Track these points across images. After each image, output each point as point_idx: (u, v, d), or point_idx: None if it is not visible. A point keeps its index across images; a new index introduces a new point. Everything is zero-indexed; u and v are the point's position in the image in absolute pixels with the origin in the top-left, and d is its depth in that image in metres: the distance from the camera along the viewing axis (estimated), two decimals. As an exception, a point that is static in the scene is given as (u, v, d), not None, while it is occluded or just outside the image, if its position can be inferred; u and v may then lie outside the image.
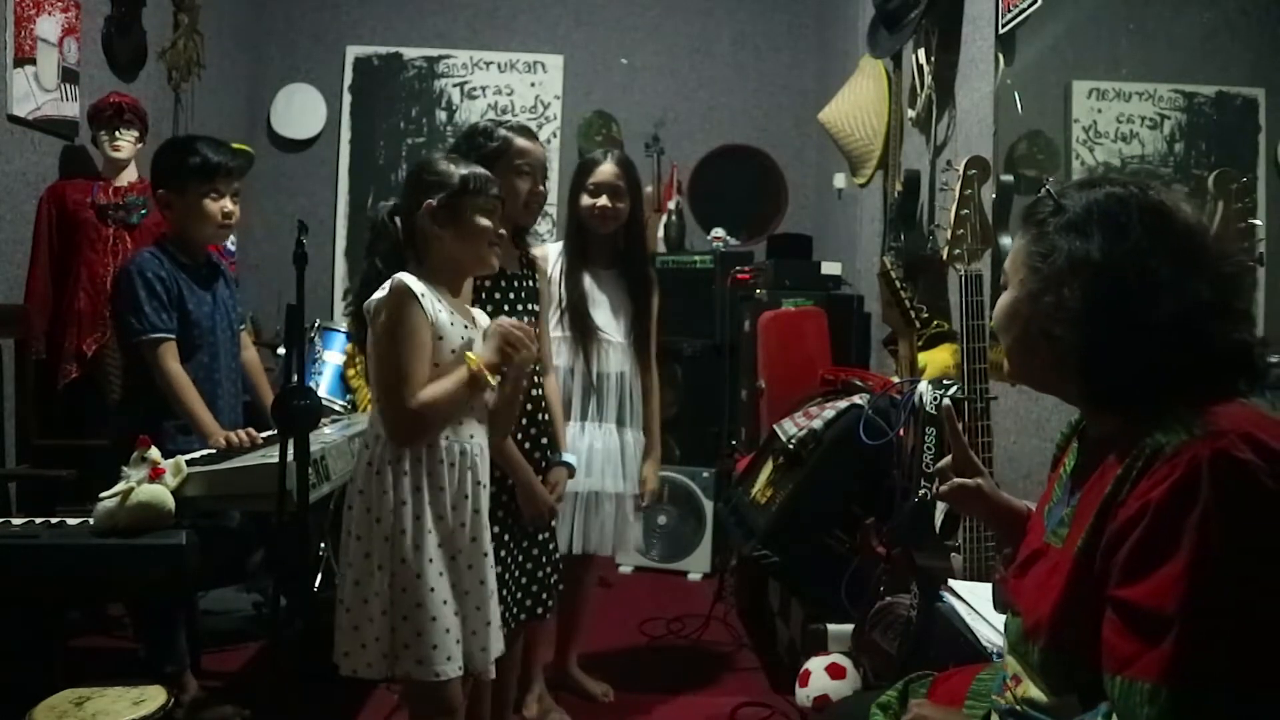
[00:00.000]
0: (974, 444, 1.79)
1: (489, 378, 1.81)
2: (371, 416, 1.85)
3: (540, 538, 2.33)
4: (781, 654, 3.00)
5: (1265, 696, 0.93)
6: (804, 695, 2.41)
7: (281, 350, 3.60)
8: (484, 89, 5.28)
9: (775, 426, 2.89)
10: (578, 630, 2.89)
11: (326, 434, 2.43)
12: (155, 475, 1.93)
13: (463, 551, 1.84)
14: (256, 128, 5.16)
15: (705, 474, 4.09)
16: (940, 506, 2.07)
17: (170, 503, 1.91)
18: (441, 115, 5.26)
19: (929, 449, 2.27)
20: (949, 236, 2.03)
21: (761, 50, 5.33)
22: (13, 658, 2.25)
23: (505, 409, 1.98)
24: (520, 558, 2.27)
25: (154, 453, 1.96)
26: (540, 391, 2.33)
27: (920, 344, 2.60)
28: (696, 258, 4.43)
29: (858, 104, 3.74)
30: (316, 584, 3.19)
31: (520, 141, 2.27)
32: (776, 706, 2.74)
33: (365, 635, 1.76)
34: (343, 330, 3.71)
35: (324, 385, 3.62)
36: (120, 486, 1.90)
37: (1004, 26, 2.62)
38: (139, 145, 3.32)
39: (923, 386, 2.37)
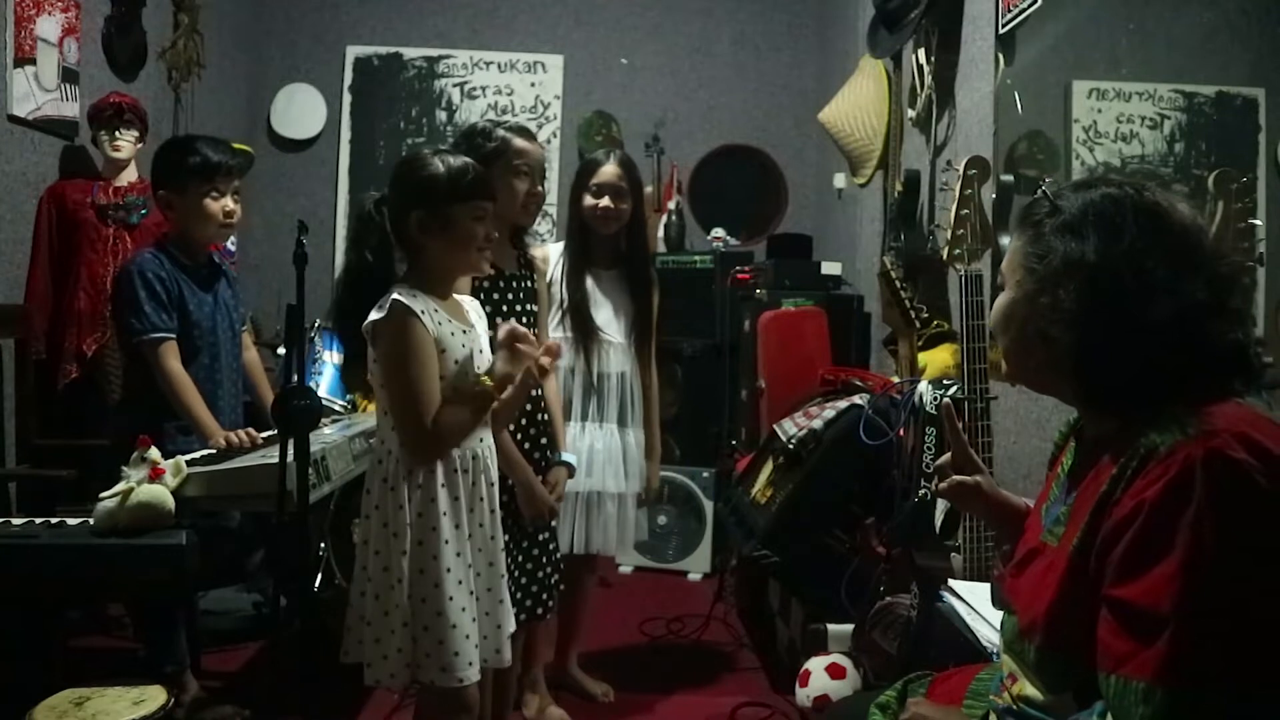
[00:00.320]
0: (974, 444, 1.79)
1: (498, 393, 1.83)
2: (382, 432, 1.85)
3: (540, 538, 2.34)
4: (781, 654, 2.99)
5: (1259, 695, 0.93)
6: (804, 695, 2.42)
7: (281, 350, 3.60)
8: (484, 89, 5.28)
9: (775, 426, 2.89)
10: (578, 630, 2.89)
11: (326, 434, 2.43)
12: (155, 475, 1.93)
13: (481, 550, 1.86)
14: (256, 128, 5.16)
15: (705, 474, 4.09)
16: (940, 506, 2.07)
17: (170, 503, 1.91)
18: (441, 115, 5.26)
19: (929, 449, 2.27)
20: (949, 236, 2.03)
21: (761, 50, 5.33)
22: (13, 658, 2.25)
23: (510, 406, 1.98)
24: (520, 558, 2.28)
25: (154, 453, 1.96)
26: (540, 391, 2.34)
27: (920, 344, 2.60)
28: (696, 258, 4.43)
29: (858, 104, 3.74)
30: (316, 584, 3.19)
31: (518, 142, 2.27)
32: (776, 706, 2.74)
33: (387, 647, 1.77)
34: (337, 328, 3.70)
35: (324, 385, 3.62)
36: (120, 486, 1.90)
37: (1004, 26, 2.62)
38: (139, 145, 3.32)
39: (923, 386, 2.37)
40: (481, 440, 1.89)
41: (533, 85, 5.28)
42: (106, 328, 3.11)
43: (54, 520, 1.98)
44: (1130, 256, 1.06)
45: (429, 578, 1.77)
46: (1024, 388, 1.35)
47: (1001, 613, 1.28)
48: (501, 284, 2.29)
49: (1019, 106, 2.57)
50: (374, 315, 1.75)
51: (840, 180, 4.38)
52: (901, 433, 2.43)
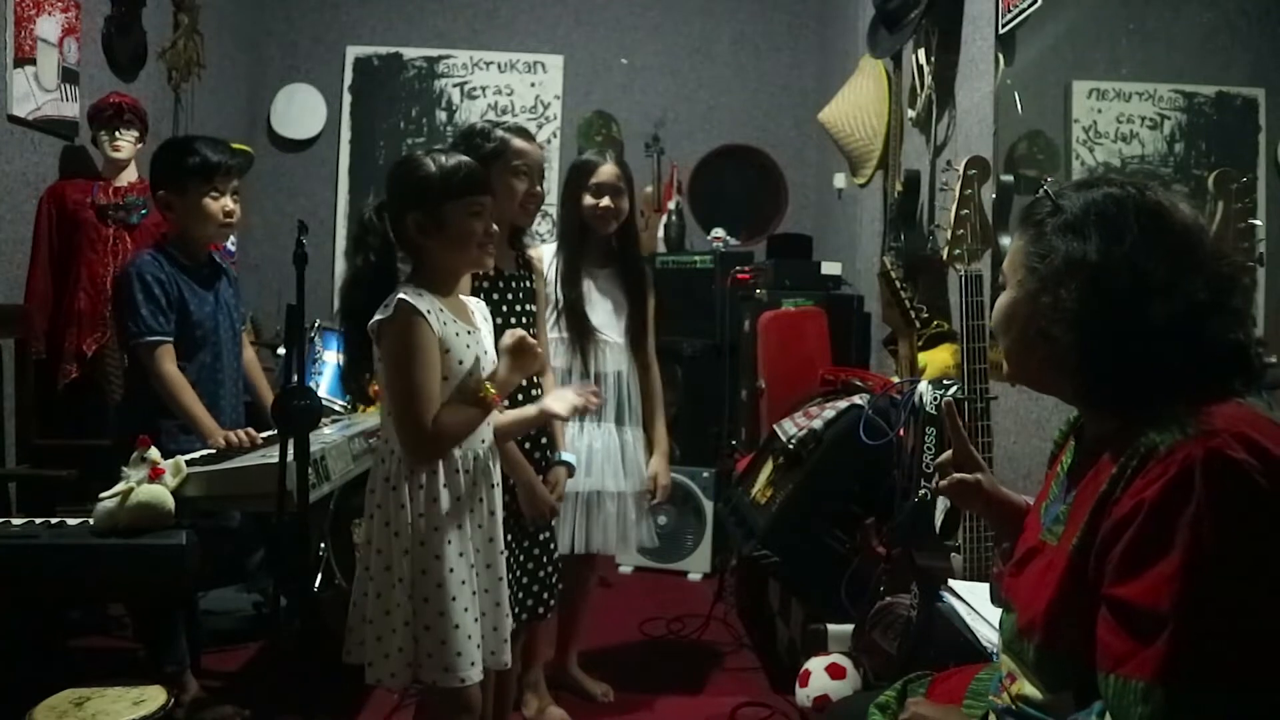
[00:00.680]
0: (974, 444, 1.77)
1: (499, 400, 1.84)
2: (385, 431, 1.85)
3: (541, 538, 2.34)
4: (781, 654, 2.99)
5: (1258, 695, 0.93)
6: (804, 695, 2.42)
7: (281, 350, 3.60)
8: (484, 89, 5.28)
9: (775, 426, 2.89)
10: (578, 630, 2.89)
11: (326, 434, 2.43)
12: (155, 475, 1.93)
13: (480, 551, 1.86)
14: (256, 128, 5.16)
15: (705, 474, 4.09)
16: (940, 505, 2.07)
17: (170, 503, 1.91)
18: (441, 115, 5.26)
19: (929, 449, 2.27)
20: (949, 236, 2.03)
21: (761, 50, 5.33)
22: (13, 658, 2.26)
23: (516, 426, 2.04)
24: (521, 558, 2.28)
25: (154, 453, 1.96)
26: (539, 392, 2.34)
27: (920, 344, 2.60)
28: (696, 258, 4.43)
29: (858, 104, 3.74)
30: (316, 584, 3.19)
31: (517, 142, 2.27)
32: (776, 706, 2.74)
33: (389, 646, 1.77)
34: (342, 330, 3.70)
35: (324, 385, 3.62)
36: (120, 486, 1.90)
37: (1004, 26, 2.62)
38: (139, 145, 3.32)
39: (923, 386, 2.37)
40: (483, 441, 1.89)
41: (533, 85, 5.28)
42: (106, 328, 3.11)
43: (54, 520, 1.98)
44: (1132, 256, 1.06)
45: (431, 578, 1.77)
46: (1024, 388, 1.35)
47: (1000, 612, 1.28)
48: (501, 284, 2.30)
49: (1019, 106, 2.57)
50: (379, 315, 1.75)
51: (840, 180, 4.37)
52: (901, 433, 2.43)
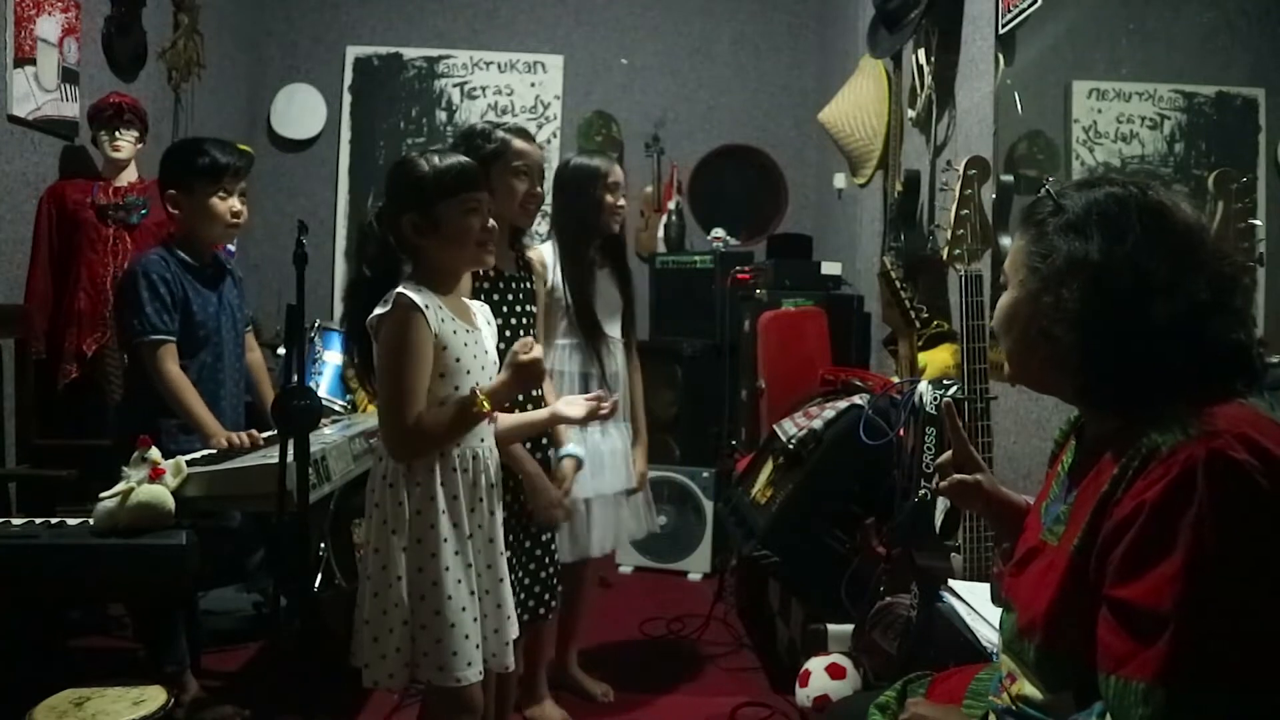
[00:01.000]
0: (974, 444, 1.78)
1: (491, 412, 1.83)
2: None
3: (543, 538, 2.33)
4: (781, 654, 3.00)
5: (1260, 697, 0.93)
6: (804, 695, 2.42)
7: (281, 350, 3.60)
8: (484, 89, 5.28)
9: (775, 426, 2.89)
10: (578, 630, 2.89)
11: (327, 434, 2.43)
12: (155, 475, 1.93)
13: (480, 553, 1.86)
14: (256, 128, 5.16)
15: (705, 474, 4.09)
16: (940, 505, 2.07)
17: (170, 503, 1.91)
18: (441, 115, 5.26)
19: (929, 449, 2.27)
20: (949, 236, 2.03)
21: (761, 50, 5.33)
22: (13, 658, 2.25)
23: (521, 431, 2.07)
24: (523, 558, 2.27)
25: (154, 453, 1.96)
26: (539, 393, 2.33)
27: (920, 344, 2.60)
28: (696, 258, 4.43)
29: (858, 104, 3.74)
30: (316, 584, 3.19)
31: (518, 143, 2.27)
32: (776, 706, 2.74)
33: (385, 646, 1.77)
34: (343, 331, 3.70)
35: (324, 385, 3.62)
36: (120, 486, 1.90)
37: (1004, 26, 2.62)
38: (139, 145, 3.32)
39: (923, 386, 2.37)
40: (482, 441, 1.88)
41: (533, 85, 5.28)
42: (106, 328, 3.11)
43: (54, 520, 1.98)
44: (1134, 256, 1.06)
45: (427, 575, 1.76)
46: (1024, 388, 1.35)
47: (1000, 612, 1.28)
48: (501, 285, 2.29)
49: (1019, 106, 2.57)
50: (379, 310, 1.75)
51: (840, 180, 4.37)
52: (901, 433, 2.43)
